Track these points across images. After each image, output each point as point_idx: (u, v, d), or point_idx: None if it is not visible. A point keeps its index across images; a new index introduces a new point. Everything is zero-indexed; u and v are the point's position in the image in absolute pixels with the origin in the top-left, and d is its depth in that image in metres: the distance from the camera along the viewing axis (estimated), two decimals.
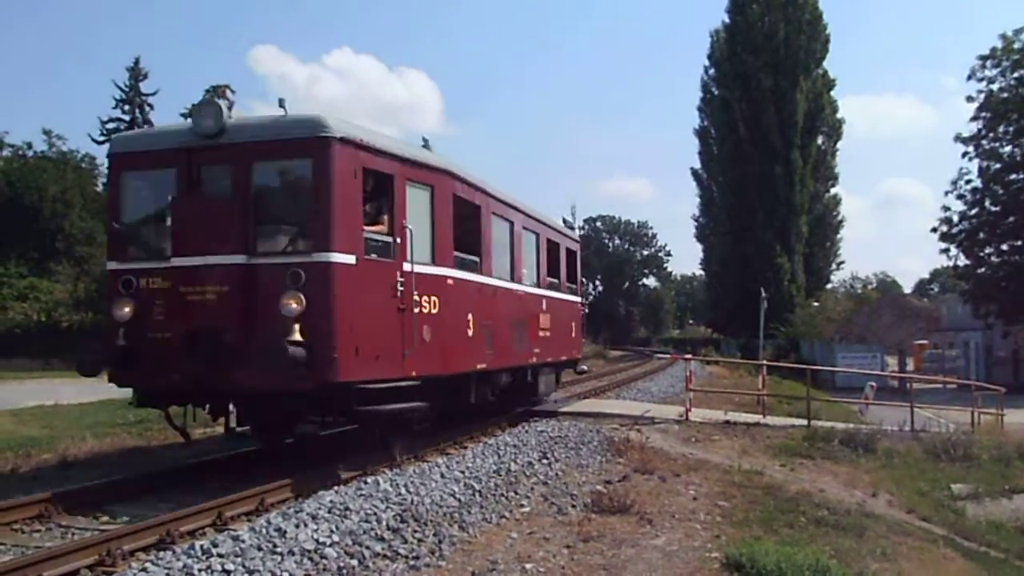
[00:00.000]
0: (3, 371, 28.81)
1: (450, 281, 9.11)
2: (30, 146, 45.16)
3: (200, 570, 4.93)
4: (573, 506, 7.55)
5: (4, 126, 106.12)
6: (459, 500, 7.33)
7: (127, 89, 46.49)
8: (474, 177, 10.39)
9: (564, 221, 17.77)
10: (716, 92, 54.64)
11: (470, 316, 9.69)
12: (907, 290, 70.66)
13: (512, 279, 11.70)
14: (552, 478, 8.77)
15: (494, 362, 10.69)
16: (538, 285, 13.10)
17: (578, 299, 16.77)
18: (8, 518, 6.48)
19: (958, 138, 35.80)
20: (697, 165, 59.35)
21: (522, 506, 7.49)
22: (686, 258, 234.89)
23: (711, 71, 55.67)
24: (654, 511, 7.40)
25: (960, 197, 36.03)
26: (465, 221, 10.05)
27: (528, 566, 5.65)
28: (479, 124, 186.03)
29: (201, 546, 5.32)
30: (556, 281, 14.63)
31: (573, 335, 15.89)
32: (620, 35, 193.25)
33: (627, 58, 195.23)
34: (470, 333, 9.70)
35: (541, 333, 12.93)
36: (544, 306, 13.24)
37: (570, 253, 16.04)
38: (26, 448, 10.63)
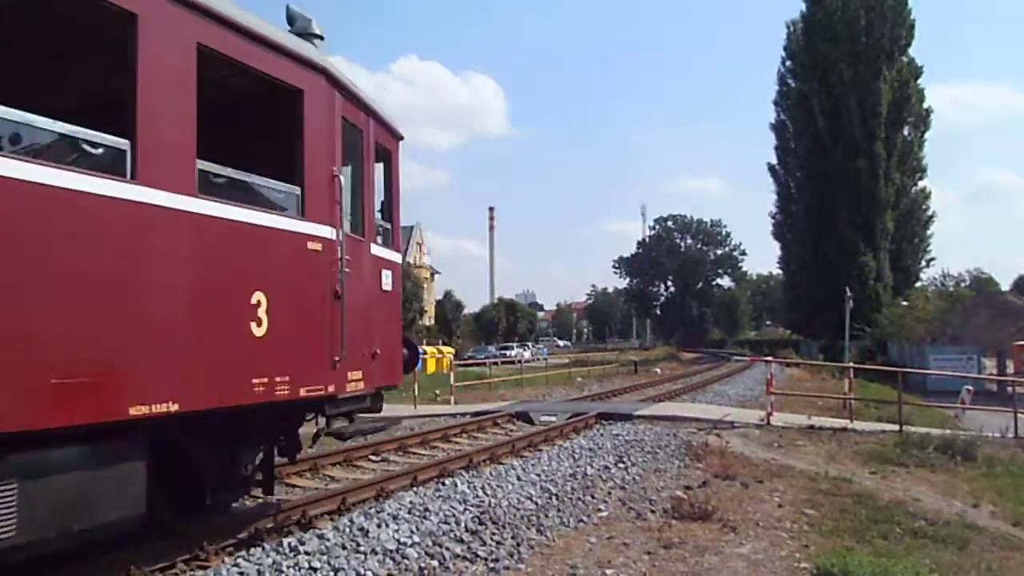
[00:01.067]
0: None
1: None
2: None
3: (289, 567, 5.10)
4: (652, 511, 7.42)
5: None
6: (536, 503, 7.34)
7: None
8: None
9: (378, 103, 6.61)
10: (793, 85, 53.33)
11: None
12: (1005, 287, 65.93)
13: None
14: (629, 483, 8.66)
15: None
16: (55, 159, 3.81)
17: (389, 254, 7.03)
18: None
19: None
20: (774, 160, 57.61)
21: (600, 510, 7.41)
22: (762, 257, 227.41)
23: (788, 63, 54.41)
24: (737, 518, 7.18)
25: None
26: None
27: (608, 572, 5.58)
28: (544, 125, 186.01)
29: (289, 543, 5.51)
30: (261, 191, 5.29)
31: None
32: (689, 31, 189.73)
33: (696, 53, 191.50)
34: None
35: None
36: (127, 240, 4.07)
37: (345, 126, 6.08)
38: None
